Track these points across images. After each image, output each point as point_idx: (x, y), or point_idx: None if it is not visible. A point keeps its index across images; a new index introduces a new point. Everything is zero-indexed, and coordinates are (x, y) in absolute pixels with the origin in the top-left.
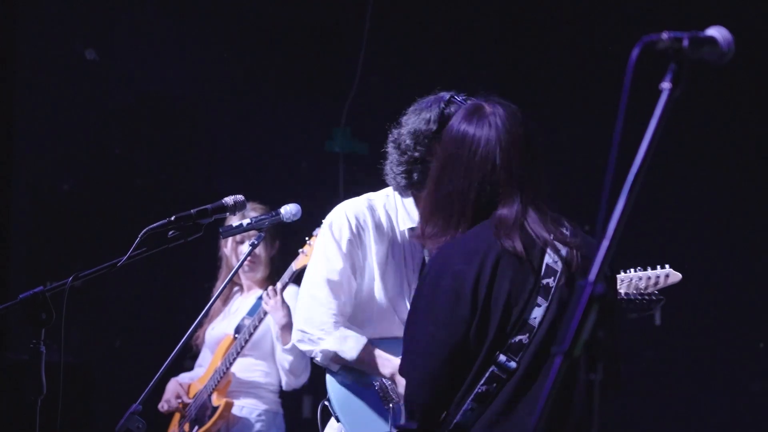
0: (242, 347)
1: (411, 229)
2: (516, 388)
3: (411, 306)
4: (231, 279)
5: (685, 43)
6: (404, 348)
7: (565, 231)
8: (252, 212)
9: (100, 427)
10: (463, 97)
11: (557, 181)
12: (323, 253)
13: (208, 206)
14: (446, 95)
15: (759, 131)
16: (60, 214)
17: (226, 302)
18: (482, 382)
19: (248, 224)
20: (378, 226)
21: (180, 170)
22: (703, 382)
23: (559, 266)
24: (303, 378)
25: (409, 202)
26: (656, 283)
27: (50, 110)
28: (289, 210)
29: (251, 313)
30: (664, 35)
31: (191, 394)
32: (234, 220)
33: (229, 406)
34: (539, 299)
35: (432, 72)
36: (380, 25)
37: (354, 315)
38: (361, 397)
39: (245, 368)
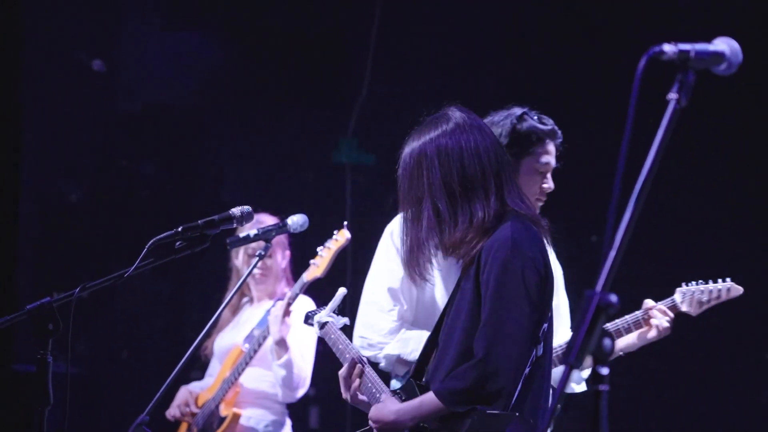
0: (251, 358)
1: None
2: (545, 372)
3: (490, 298)
4: (239, 289)
5: (692, 54)
6: (491, 340)
7: None
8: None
9: None
10: (536, 114)
11: (565, 191)
12: (384, 260)
13: (215, 217)
14: (518, 111)
15: None
16: (67, 224)
17: (235, 313)
18: (527, 364)
19: (255, 235)
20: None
21: (187, 181)
22: (712, 391)
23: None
24: (299, 392)
25: None
26: (718, 297)
27: (57, 121)
28: (296, 221)
29: (261, 324)
30: (671, 46)
31: (200, 404)
32: (243, 231)
33: (236, 416)
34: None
35: (438, 83)
36: (387, 36)
37: (416, 320)
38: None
39: (253, 379)
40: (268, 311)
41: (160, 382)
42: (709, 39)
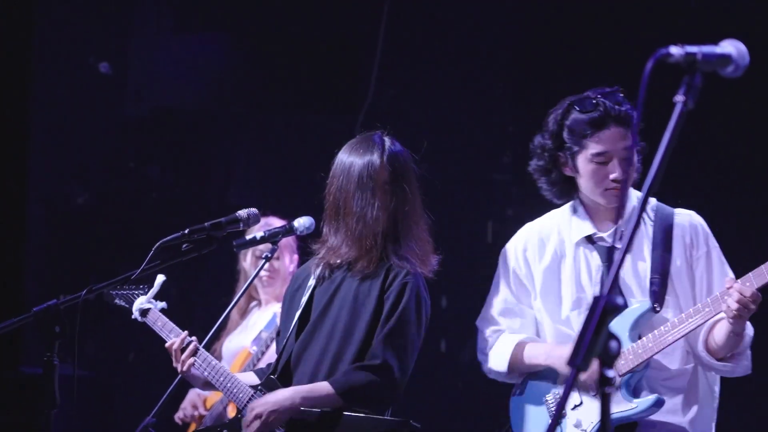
0: (258, 360)
1: (585, 239)
2: None
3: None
4: (245, 291)
5: (699, 56)
6: (396, 350)
7: None
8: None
9: None
10: (587, 99)
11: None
12: (494, 280)
13: (222, 219)
14: (565, 103)
15: None
16: (74, 227)
17: (243, 316)
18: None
19: (261, 237)
20: (542, 246)
21: (194, 184)
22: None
23: None
24: None
25: (581, 211)
26: None
27: (65, 124)
28: (303, 223)
29: (268, 326)
30: (678, 48)
31: (208, 406)
32: (250, 234)
33: None
34: None
35: (445, 87)
36: (394, 39)
37: (536, 334)
38: (532, 415)
39: None
40: (276, 314)
41: (167, 385)
42: (716, 41)
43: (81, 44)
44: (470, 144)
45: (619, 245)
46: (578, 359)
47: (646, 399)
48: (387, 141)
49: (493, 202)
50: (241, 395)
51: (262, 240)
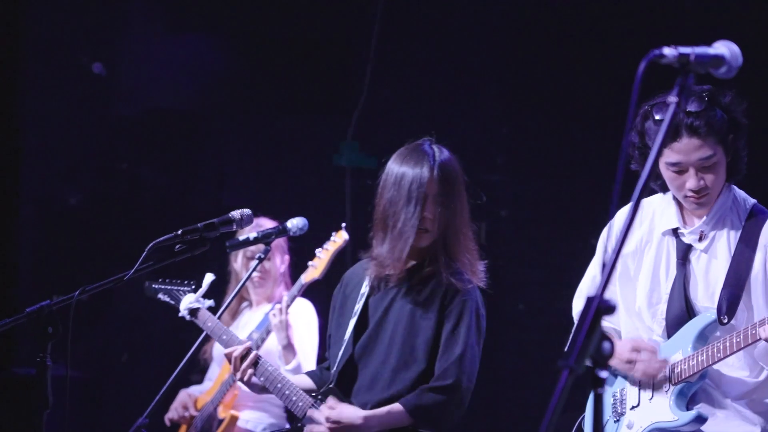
0: None
1: (671, 231)
2: None
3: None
4: (238, 293)
5: (692, 57)
6: (465, 371)
7: None
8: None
9: None
10: (665, 103)
11: (566, 193)
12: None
13: (215, 220)
14: (646, 106)
15: None
16: (67, 228)
17: (235, 317)
18: None
19: (254, 237)
20: (635, 228)
21: (187, 184)
22: None
23: None
24: None
25: (667, 201)
26: None
27: (57, 124)
28: (296, 224)
29: (259, 327)
30: (671, 49)
31: (198, 407)
32: (243, 234)
33: (234, 419)
34: None
35: (439, 87)
36: (387, 39)
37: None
38: (601, 409)
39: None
40: (267, 314)
41: (159, 386)
42: (709, 42)
43: (73, 45)
44: (463, 145)
45: (698, 245)
46: (571, 360)
47: (687, 413)
48: (436, 150)
49: (487, 203)
50: (300, 404)
51: (256, 241)
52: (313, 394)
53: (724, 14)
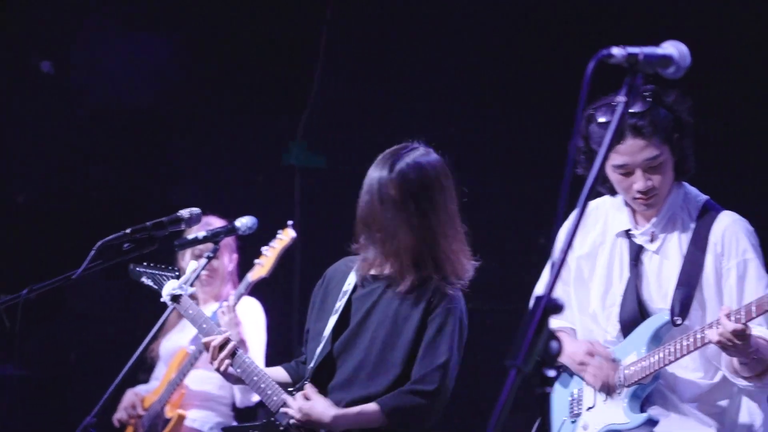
0: (196, 359)
1: (624, 232)
2: None
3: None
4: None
5: (641, 57)
6: (443, 376)
7: None
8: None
9: None
10: (607, 107)
11: (515, 192)
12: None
13: (164, 218)
14: (590, 109)
15: None
16: (15, 226)
17: (181, 316)
18: None
19: (203, 236)
20: (585, 232)
21: (137, 183)
22: None
23: None
24: (255, 396)
25: (620, 203)
26: None
27: (8, 123)
28: (245, 222)
29: None
30: (620, 49)
31: (146, 406)
32: (191, 233)
33: (181, 418)
34: None
35: (388, 87)
36: (337, 39)
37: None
38: (557, 408)
39: (199, 381)
40: (215, 313)
41: (108, 384)
42: (658, 42)
43: (26, 43)
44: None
45: (650, 246)
46: (518, 359)
47: (639, 416)
48: (406, 154)
49: None
50: (275, 398)
51: (205, 240)
52: (290, 389)
53: (674, 15)
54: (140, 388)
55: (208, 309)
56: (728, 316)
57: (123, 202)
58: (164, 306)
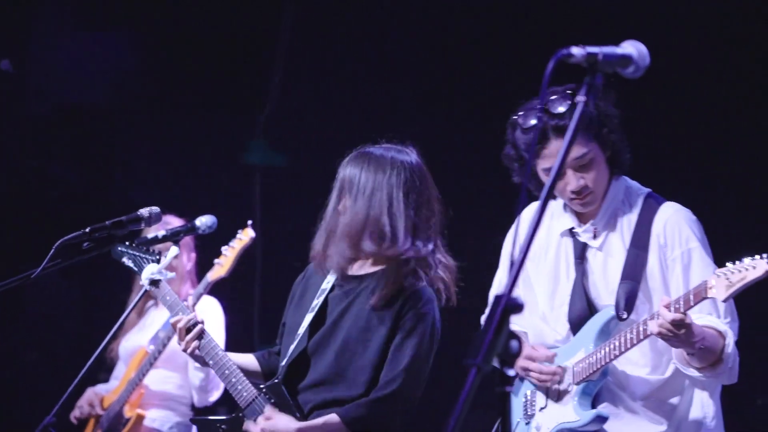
0: (155, 359)
1: (568, 231)
2: None
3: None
4: (146, 292)
5: (600, 57)
6: (408, 382)
7: None
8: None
9: None
10: (528, 112)
11: (474, 191)
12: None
13: (124, 218)
14: (512, 117)
15: None
16: None
17: (141, 315)
18: None
19: (163, 236)
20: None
21: (97, 182)
22: None
23: None
24: (214, 395)
25: (562, 203)
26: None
27: None
28: (205, 222)
29: (166, 326)
30: (579, 49)
31: (105, 406)
32: (150, 232)
33: (140, 418)
34: None
35: (349, 86)
36: (298, 37)
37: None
38: (509, 407)
39: (158, 380)
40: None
41: (68, 384)
42: (617, 42)
43: None
44: (374, 143)
45: (593, 243)
46: (478, 358)
47: (588, 413)
48: (356, 151)
49: None
50: (245, 393)
51: (164, 239)
52: (261, 386)
53: (635, 15)
54: (100, 388)
55: (166, 309)
56: (668, 306)
57: (82, 201)
58: (123, 305)
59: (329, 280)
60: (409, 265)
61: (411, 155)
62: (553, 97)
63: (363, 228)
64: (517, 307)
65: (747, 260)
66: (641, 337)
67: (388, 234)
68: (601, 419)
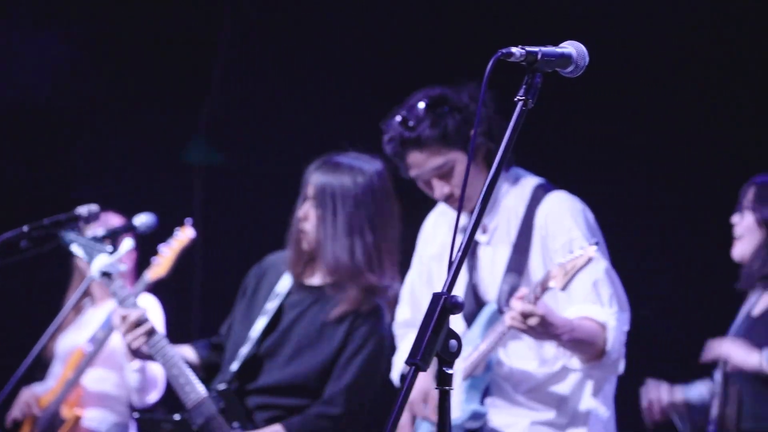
0: (93, 358)
1: (462, 228)
2: None
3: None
4: (85, 291)
5: (540, 56)
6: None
7: None
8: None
9: None
10: (387, 129)
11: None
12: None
13: (62, 216)
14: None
15: None
16: None
17: (78, 314)
18: None
19: (101, 235)
20: (434, 233)
21: (35, 179)
22: None
23: None
24: (152, 396)
25: None
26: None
27: None
28: (144, 221)
29: (104, 325)
30: (518, 49)
31: (42, 406)
32: (89, 230)
33: (77, 418)
34: None
35: (291, 84)
36: (238, 34)
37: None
38: (447, 406)
39: (96, 380)
40: (111, 313)
41: (5, 384)
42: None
43: None
44: (310, 140)
45: (482, 238)
46: (418, 357)
47: (466, 409)
48: (325, 159)
49: None
50: (192, 395)
51: (102, 238)
52: (211, 389)
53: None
54: (36, 388)
55: (104, 308)
56: (521, 297)
57: (21, 199)
58: (60, 304)
59: (285, 285)
60: (365, 284)
61: (377, 166)
62: (405, 111)
63: (324, 241)
64: (456, 306)
65: (578, 250)
66: (505, 330)
67: (349, 253)
68: (478, 416)
